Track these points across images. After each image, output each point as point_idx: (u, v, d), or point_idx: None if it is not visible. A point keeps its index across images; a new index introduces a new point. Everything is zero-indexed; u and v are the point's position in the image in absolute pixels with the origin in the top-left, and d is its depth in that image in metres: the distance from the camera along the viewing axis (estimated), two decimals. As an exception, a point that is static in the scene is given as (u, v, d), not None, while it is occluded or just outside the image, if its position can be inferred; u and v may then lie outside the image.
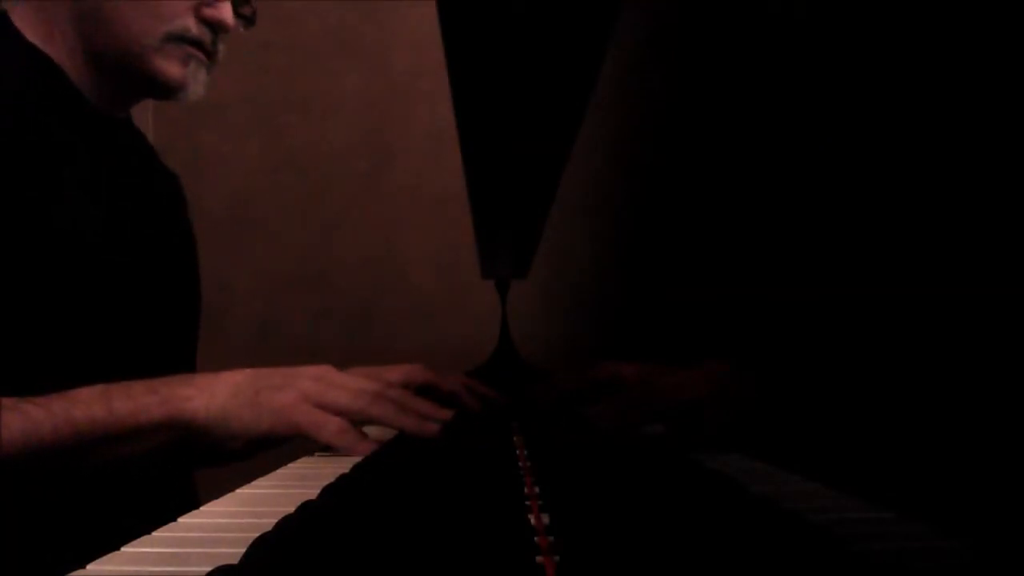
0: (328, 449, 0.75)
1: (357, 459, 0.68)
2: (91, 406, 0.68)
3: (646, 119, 1.06)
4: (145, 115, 1.72)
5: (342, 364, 0.86)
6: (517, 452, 0.68)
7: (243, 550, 0.35)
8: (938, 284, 0.56)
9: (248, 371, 0.74)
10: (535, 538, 0.37)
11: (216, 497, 0.54)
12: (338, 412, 0.73)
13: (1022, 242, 0.49)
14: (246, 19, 0.91)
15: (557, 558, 0.34)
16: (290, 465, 0.69)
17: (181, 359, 0.96)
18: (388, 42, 1.78)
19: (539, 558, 0.34)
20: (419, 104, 1.75)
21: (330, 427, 0.72)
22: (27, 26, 0.84)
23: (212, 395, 0.72)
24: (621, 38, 0.52)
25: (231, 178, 1.77)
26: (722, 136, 0.90)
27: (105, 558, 0.38)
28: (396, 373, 0.97)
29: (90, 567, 0.37)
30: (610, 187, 1.17)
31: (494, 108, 0.60)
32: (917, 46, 0.58)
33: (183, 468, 0.92)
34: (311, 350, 1.71)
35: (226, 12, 0.87)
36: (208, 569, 0.32)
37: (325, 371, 0.76)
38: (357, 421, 0.75)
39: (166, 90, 0.87)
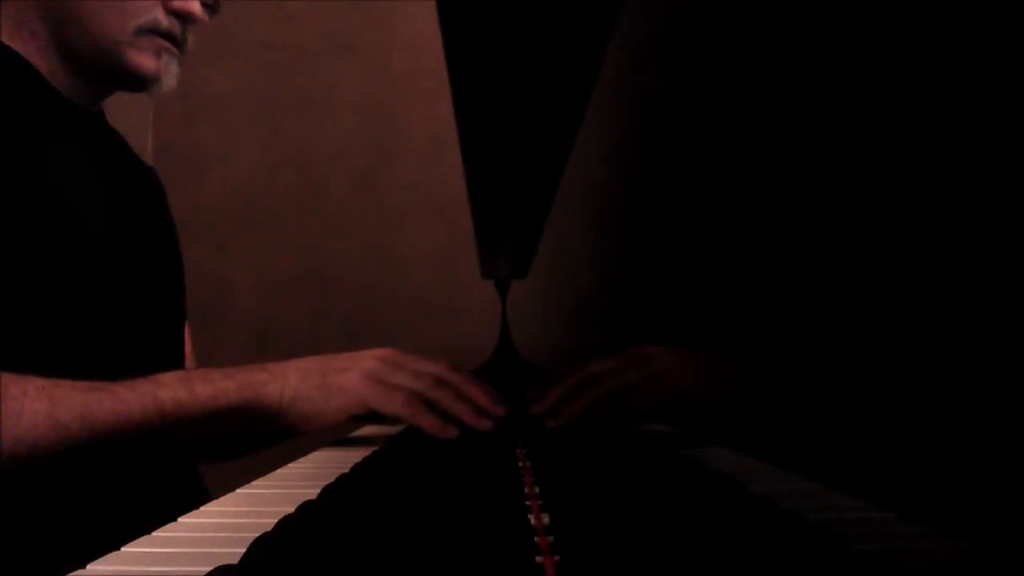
0: (338, 445, 0.77)
1: (358, 459, 0.68)
2: (175, 389, 0.73)
3: (646, 120, 1.06)
4: (145, 115, 1.72)
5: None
6: (517, 452, 0.68)
7: (243, 550, 0.35)
8: (938, 284, 0.56)
9: (315, 357, 0.80)
10: (535, 538, 0.37)
11: (216, 497, 0.54)
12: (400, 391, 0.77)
13: (1022, 242, 0.49)
14: (210, 8, 0.92)
15: (557, 558, 0.34)
16: (290, 465, 0.69)
17: (170, 350, 0.96)
18: (388, 42, 1.78)
19: (539, 558, 0.34)
20: (419, 104, 1.75)
21: (396, 399, 0.76)
22: None
23: (285, 380, 0.77)
24: (622, 38, 0.52)
25: (231, 177, 1.77)
26: (721, 137, 0.90)
27: (105, 558, 0.38)
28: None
29: (90, 567, 0.37)
30: (610, 188, 1.17)
31: (494, 108, 0.60)
32: (916, 48, 0.58)
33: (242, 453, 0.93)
34: (311, 350, 1.71)
35: (193, 3, 0.88)
36: (208, 569, 0.32)
37: (388, 353, 0.80)
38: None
39: (140, 83, 0.88)
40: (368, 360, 0.79)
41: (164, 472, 0.83)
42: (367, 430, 0.88)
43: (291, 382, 0.77)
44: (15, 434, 0.66)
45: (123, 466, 0.75)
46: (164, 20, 0.87)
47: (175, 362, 0.97)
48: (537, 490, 0.50)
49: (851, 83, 0.66)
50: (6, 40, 0.84)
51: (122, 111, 1.00)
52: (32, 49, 0.85)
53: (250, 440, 0.83)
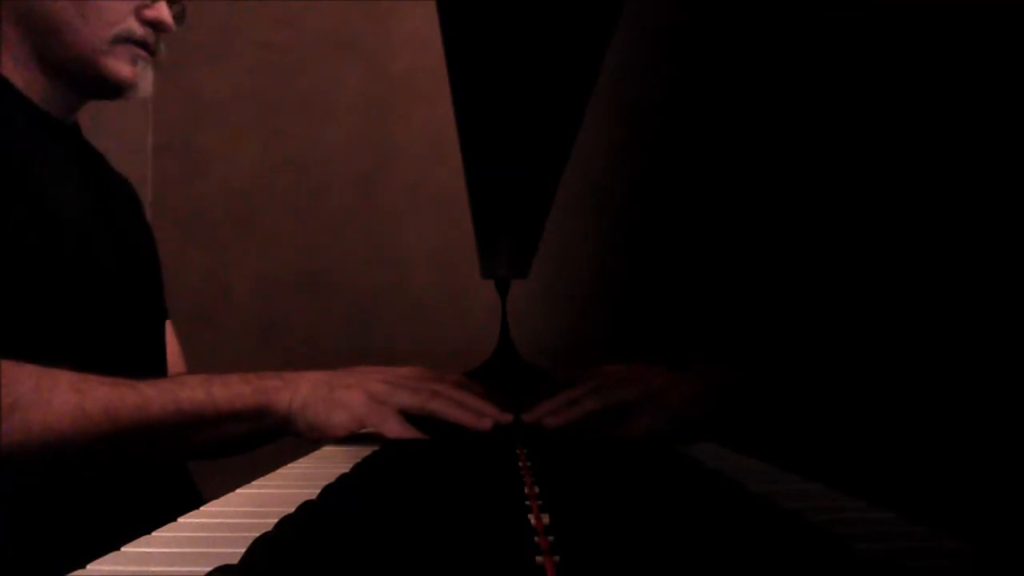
0: (339, 444, 0.79)
1: (358, 458, 0.68)
2: (194, 390, 0.77)
3: (646, 119, 1.06)
4: (145, 115, 1.72)
5: (342, 365, 0.87)
6: (517, 452, 0.68)
7: (243, 550, 0.35)
8: (938, 283, 0.56)
9: (328, 371, 0.83)
10: (535, 538, 0.37)
11: (216, 497, 0.54)
12: (401, 408, 0.80)
13: (1021, 241, 0.49)
14: (177, 18, 0.96)
15: (557, 558, 0.34)
16: (290, 465, 0.69)
17: (151, 350, 0.99)
18: (388, 42, 1.78)
19: (539, 558, 0.34)
20: (419, 104, 1.75)
21: (379, 412, 0.80)
22: None
23: (296, 388, 0.80)
24: (621, 38, 0.52)
25: (231, 178, 1.77)
26: (721, 136, 0.90)
27: (105, 558, 0.38)
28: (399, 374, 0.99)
29: (90, 567, 0.37)
30: (610, 187, 1.17)
31: (494, 108, 0.60)
32: (916, 47, 0.58)
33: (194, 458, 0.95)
34: (311, 350, 1.71)
35: (164, 12, 0.92)
36: (208, 569, 0.32)
37: (393, 374, 0.84)
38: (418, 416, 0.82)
39: (117, 90, 0.92)
40: (372, 382, 0.82)
41: (155, 475, 0.84)
42: (368, 429, 0.89)
43: (302, 391, 0.80)
44: (46, 423, 0.70)
45: (141, 461, 0.78)
46: (139, 29, 0.90)
47: (156, 360, 1.00)
48: (537, 490, 0.50)
49: (851, 83, 0.66)
50: None
51: (122, 112, 1.01)
52: (9, 64, 0.88)
53: (258, 440, 0.85)
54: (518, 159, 0.73)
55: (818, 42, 0.70)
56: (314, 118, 1.78)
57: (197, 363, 1.11)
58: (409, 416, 0.81)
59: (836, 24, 0.67)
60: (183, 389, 0.77)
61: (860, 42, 0.64)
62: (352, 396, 0.80)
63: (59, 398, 0.71)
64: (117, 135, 1.03)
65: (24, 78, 0.88)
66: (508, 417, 0.82)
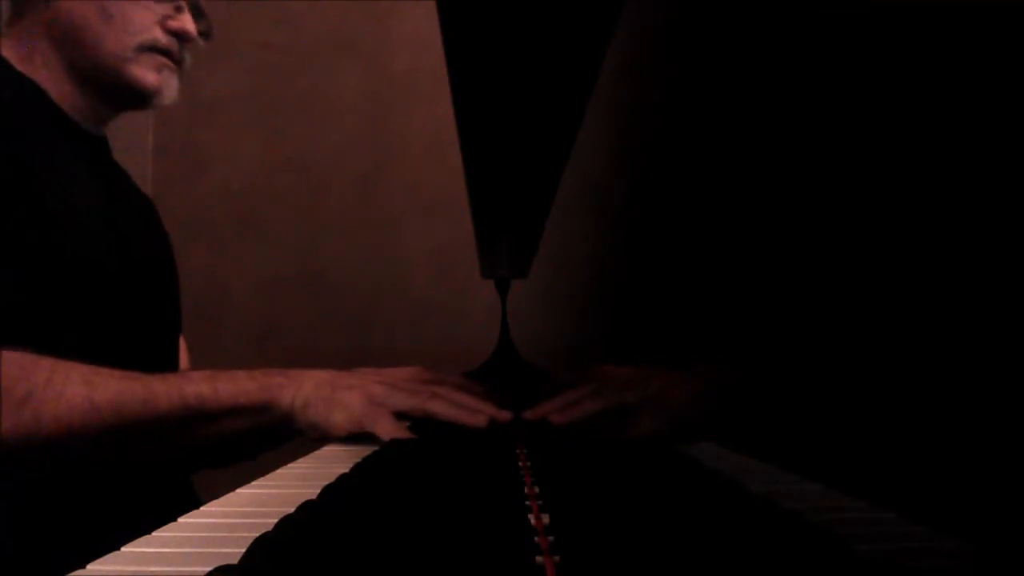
0: (339, 443, 0.80)
1: (358, 458, 0.68)
2: (200, 385, 0.78)
3: (646, 119, 1.06)
4: (145, 115, 1.72)
5: (342, 365, 0.87)
6: (517, 452, 0.68)
7: (243, 550, 0.35)
8: (938, 283, 0.56)
9: (331, 371, 0.84)
10: (535, 538, 0.37)
11: (216, 497, 0.54)
12: (399, 410, 0.81)
13: (1021, 239, 0.49)
14: (203, 35, 0.99)
15: (557, 558, 0.34)
16: (290, 465, 0.69)
17: (165, 361, 1.00)
18: (388, 42, 1.78)
19: (539, 558, 0.34)
20: (419, 104, 1.75)
21: (374, 415, 0.80)
22: (12, 53, 0.90)
23: (300, 386, 0.80)
24: (621, 38, 0.52)
25: (231, 178, 1.77)
26: (720, 136, 0.90)
27: (105, 558, 0.38)
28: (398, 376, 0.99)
29: (90, 567, 0.37)
30: (610, 187, 1.17)
31: (494, 108, 0.60)
32: (916, 47, 0.58)
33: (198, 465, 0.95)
34: (311, 351, 1.71)
35: (188, 22, 0.95)
36: (208, 569, 0.32)
37: (392, 376, 0.85)
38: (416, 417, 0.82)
39: (143, 98, 0.94)
40: (373, 383, 0.82)
41: (154, 475, 0.85)
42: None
43: (304, 389, 0.80)
44: (56, 415, 0.71)
45: (148, 456, 0.79)
46: (163, 38, 0.93)
47: (166, 369, 1.00)
48: (537, 490, 0.50)
49: (851, 83, 0.66)
50: (21, 67, 0.89)
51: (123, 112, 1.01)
52: (43, 73, 0.90)
53: (261, 440, 0.85)
54: (518, 159, 0.73)
55: (818, 42, 0.70)
56: (314, 118, 1.78)
57: (197, 363, 1.11)
58: (410, 418, 0.81)
59: (836, 24, 0.67)
60: (189, 383, 0.78)
61: (860, 42, 0.64)
62: (352, 397, 0.81)
63: (71, 391, 0.72)
64: (117, 135, 1.03)
65: (57, 87, 0.90)
66: (506, 415, 0.82)
